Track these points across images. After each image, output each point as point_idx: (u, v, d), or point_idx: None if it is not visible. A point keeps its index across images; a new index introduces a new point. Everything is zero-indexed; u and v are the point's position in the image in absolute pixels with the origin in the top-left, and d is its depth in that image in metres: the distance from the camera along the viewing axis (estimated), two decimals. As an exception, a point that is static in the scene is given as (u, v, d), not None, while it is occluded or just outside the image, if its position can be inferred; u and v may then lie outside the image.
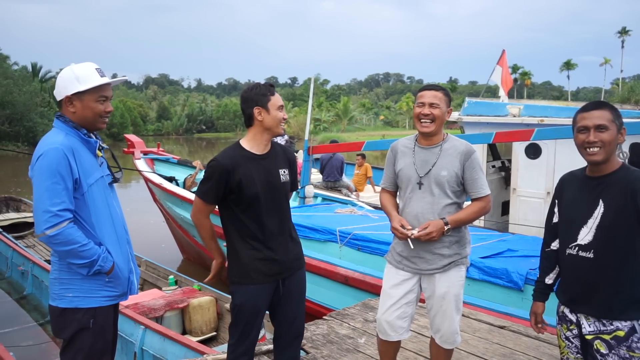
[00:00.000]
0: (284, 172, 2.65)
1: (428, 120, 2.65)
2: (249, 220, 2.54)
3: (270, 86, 2.59)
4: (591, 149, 2.17)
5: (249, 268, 2.54)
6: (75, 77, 2.26)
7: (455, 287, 2.70)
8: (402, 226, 2.65)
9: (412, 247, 2.67)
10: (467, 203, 2.78)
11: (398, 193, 2.87)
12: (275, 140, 9.46)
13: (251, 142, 2.59)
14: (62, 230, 2.14)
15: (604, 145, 2.14)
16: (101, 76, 2.30)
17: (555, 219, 2.41)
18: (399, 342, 2.91)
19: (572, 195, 2.32)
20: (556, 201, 2.42)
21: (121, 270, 2.35)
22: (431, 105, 2.65)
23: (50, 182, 2.14)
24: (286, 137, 11.98)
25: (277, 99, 2.57)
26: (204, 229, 2.64)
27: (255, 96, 2.54)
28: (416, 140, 2.78)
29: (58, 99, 2.32)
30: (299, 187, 8.18)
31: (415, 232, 2.61)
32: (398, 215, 2.76)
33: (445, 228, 2.60)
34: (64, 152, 2.17)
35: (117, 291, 2.37)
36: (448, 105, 2.71)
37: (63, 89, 2.28)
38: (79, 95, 2.26)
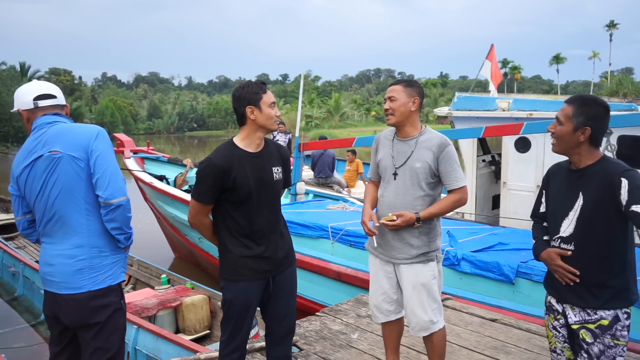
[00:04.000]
0: (277, 170, 2.65)
1: (389, 114, 2.79)
2: (240, 218, 2.54)
3: (262, 84, 2.58)
4: (551, 139, 2.31)
5: (238, 265, 2.55)
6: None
7: (425, 277, 2.76)
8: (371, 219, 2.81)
9: (375, 244, 2.86)
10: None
11: (380, 183, 2.98)
12: (277, 137, 9.51)
13: (245, 141, 2.58)
14: (128, 199, 2.48)
15: (557, 138, 2.27)
16: None
17: (542, 209, 2.46)
18: (399, 325, 3.02)
19: (556, 187, 2.37)
20: (544, 192, 2.46)
21: None
22: (390, 99, 2.77)
23: (114, 160, 2.48)
24: (289, 135, 12.01)
25: (269, 97, 2.55)
26: (205, 228, 2.65)
27: (247, 94, 2.52)
28: (395, 132, 2.89)
29: (63, 102, 2.64)
30: (292, 183, 8.18)
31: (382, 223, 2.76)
32: (370, 209, 2.89)
33: (416, 225, 2.70)
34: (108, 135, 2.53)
35: (125, 267, 2.62)
36: (412, 96, 2.75)
37: (62, 98, 2.66)
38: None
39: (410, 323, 2.86)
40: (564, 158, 2.39)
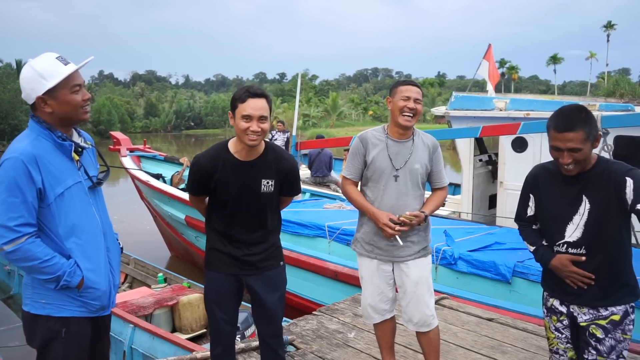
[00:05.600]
0: (268, 182, 2.52)
1: (411, 115, 2.74)
2: (221, 217, 2.58)
3: (247, 92, 2.40)
4: (567, 167, 2.17)
5: (211, 254, 2.63)
6: (39, 75, 2.04)
7: (426, 271, 2.86)
8: (392, 220, 2.69)
9: (401, 243, 2.76)
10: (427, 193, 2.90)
11: (365, 184, 2.88)
12: (275, 137, 9.42)
13: (236, 147, 2.51)
14: (20, 246, 1.99)
15: (578, 162, 2.15)
16: (65, 64, 2.08)
17: (530, 212, 2.42)
18: (392, 324, 3.03)
19: (550, 191, 2.32)
20: (531, 195, 2.40)
21: (96, 282, 2.18)
22: (416, 100, 2.75)
23: (6, 195, 1.98)
24: (288, 134, 12.00)
25: (245, 107, 2.36)
26: (202, 211, 2.75)
27: (232, 100, 2.46)
28: (387, 132, 2.83)
29: (29, 102, 2.10)
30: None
31: (402, 221, 2.70)
32: (378, 210, 2.76)
33: (423, 223, 2.77)
34: (23, 162, 1.99)
35: (95, 305, 2.20)
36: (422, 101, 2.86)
37: (31, 91, 2.06)
38: (50, 92, 2.05)
39: (412, 319, 2.86)
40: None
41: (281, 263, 2.70)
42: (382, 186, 2.80)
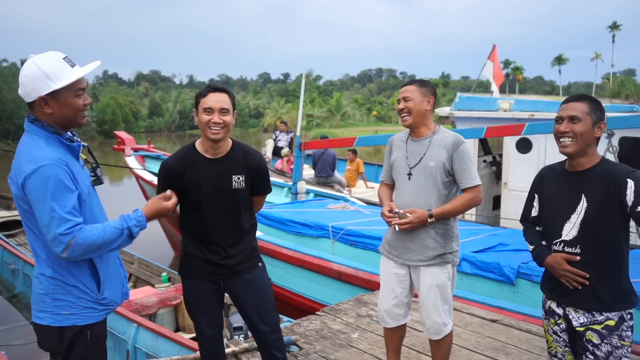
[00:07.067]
0: (239, 178, 2.53)
1: (405, 114, 2.75)
2: (195, 221, 2.55)
3: (208, 87, 2.46)
4: (562, 140, 2.19)
5: (187, 261, 2.60)
6: (44, 75, 1.97)
7: (440, 278, 2.73)
8: (391, 210, 2.71)
9: (397, 229, 2.71)
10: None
11: (395, 185, 2.93)
12: (279, 137, 9.38)
13: (203, 145, 2.52)
14: (75, 241, 1.95)
15: (575, 136, 2.15)
16: (72, 66, 2.03)
17: (535, 213, 2.42)
18: (403, 328, 2.99)
19: (552, 190, 2.32)
20: (536, 195, 2.41)
21: (115, 279, 2.24)
22: (404, 99, 2.75)
23: (56, 192, 1.94)
24: (291, 134, 12.02)
25: (206, 101, 2.41)
26: (174, 220, 2.67)
27: (195, 98, 2.48)
28: (409, 134, 2.86)
29: (27, 100, 2.02)
30: (293, 182, 8.17)
31: (399, 215, 2.68)
32: (389, 200, 2.83)
33: (429, 221, 2.65)
34: (59, 167, 1.96)
35: (113, 304, 2.24)
36: (426, 95, 2.75)
37: (32, 89, 1.99)
38: (53, 94, 1.99)
39: (424, 325, 2.83)
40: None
41: (259, 264, 2.67)
42: (399, 185, 2.82)
